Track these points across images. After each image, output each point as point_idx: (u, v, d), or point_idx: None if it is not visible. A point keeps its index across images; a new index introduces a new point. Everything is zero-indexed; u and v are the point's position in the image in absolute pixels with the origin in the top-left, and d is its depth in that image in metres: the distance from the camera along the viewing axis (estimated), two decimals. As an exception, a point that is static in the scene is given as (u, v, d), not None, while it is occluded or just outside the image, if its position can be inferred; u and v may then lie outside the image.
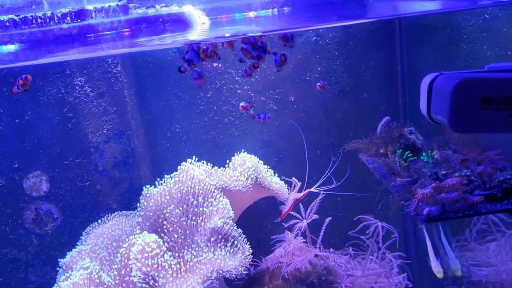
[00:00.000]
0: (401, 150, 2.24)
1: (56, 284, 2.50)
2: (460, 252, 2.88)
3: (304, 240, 2.84)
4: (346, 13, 2.73)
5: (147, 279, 2.12)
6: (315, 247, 2.82)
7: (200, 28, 2.53)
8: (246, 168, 2.62)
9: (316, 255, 2.76)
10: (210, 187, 2.47)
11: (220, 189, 2.50)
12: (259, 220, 3.17)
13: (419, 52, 3.04)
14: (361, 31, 3.01)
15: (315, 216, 2.79)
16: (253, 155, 2.82)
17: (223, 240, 2.30)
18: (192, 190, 2.45)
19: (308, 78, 3.01)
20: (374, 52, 3.05)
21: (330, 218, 2.76)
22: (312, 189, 2.74)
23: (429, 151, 2.12)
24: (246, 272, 2.29)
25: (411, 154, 2.20)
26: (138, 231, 2.49)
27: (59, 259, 2.62)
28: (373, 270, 2.76)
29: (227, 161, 2.84)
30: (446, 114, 1.33)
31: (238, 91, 3.01)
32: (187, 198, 2.44)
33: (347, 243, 3.00)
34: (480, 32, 2.86)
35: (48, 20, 2.47)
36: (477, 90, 1.29)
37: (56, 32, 2.45)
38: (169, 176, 2.68)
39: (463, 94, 1.29)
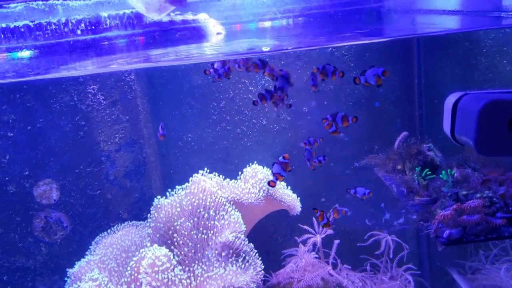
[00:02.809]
0: (419, 167, 2.18)
1: (64, 295, 2.48)
2: (473, 274, 2.82)
3: (317, 255, 2.78)
4: (363, 26, 2.69)
5: (156, 294, 2.08)
6: (327, 262, 2.76)
7: (216, 39, 2.50)
8: (258, 180, 2.58)
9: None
10: (221, 199, 2.43)
11: (231, 202, 2.46)
12: (270, 233, 3.13)
13: (437, 65, 2.98)
14: (378, 43, 2.96)
15: (330, 231, 2.74)
16: (265, 167, 2.78)
17: (234, 255, 2.26)
18: (203, 203, 2.41)
19: (322, 89, 2.97)
20: (390, 64, 3.00)
21: (339, 240, 2.73)
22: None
23: (449, 170, 2.06)
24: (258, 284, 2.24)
25: (430, 172, 2.14)
26: (148, 243, 2.45)
27: (67, 269, 2.59)
28: (386, 284, 2.71)
29: (239, 172, 2.80)
30: (472, 136, 1.28)
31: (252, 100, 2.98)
32: (198, 211, 2.40)
33: (360, 259, 2.95)
34: (500, 45, 2.81)
35: (62, 26, 2.46)
36: (505, 112, 1.24)
37: (70, 39, 2.44)
38: (180, 187, 2.64)
39: (490, 116, 1.24)
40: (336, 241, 2.73)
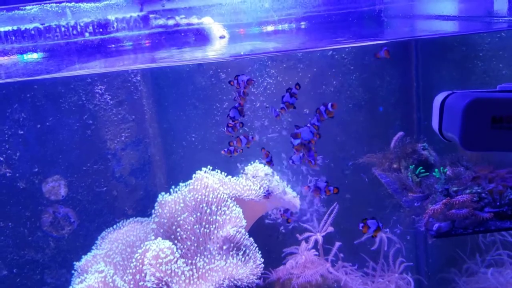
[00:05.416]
0: (414, 165, 2.26)
1: (71, 287, 2.56)
2: (468, 277, 2.88)
3: (317, 253, 2.85)
4: (363, 31, 2.76)
5: (160, 285, 2.17)
6: (327, 259, 2.83)
7: (219, 42, 2.59)
8: (258, 177, 2.67)
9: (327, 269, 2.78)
10: (223, 195, 2.51)
11: (233, 198, 2.55)
12: (270, 231, 3.20)
13: (435, 68, 3.05)
14: (377, 47, 3.03)
15: (330, 229, 2.81)
16: (265, 166, 2.86)
17: (235, 249, 2.34)
18: (206, 199, 2.50)
19: (323, 92, 3.05)
20: (389, 68, 3.07)
21: (340, 243, 2.79)
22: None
23: (442, 168, 2.14)
24: (258, 281, 2.32)
25: (423, 170, 2.22)
26: (152, 237, 2.54)
27: (74, 262, 2.68)
28: (384, 283, 2.77)
29: (241, 170, 2.88)
30: (457, 132, 1.36)
31: (254, 102, 3.06)
32: (201, 206, 2.49)
33: (359, 256, 3.01)
34: (496, 50, 2.88)
35: (71, 29, 2.55)
36: (488, 109, 1.32)
37: (78, 42, 2.53)
38: (184, 184, 2.73)
39: (474, 112, 1.33)
40: (338, 243, 2.81)
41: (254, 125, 3.09)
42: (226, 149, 2.32)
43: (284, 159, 3.08)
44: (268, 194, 2.59)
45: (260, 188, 2.59)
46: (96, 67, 2.67)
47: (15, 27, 2.37)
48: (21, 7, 2.16)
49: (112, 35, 2.50)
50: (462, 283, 2.92)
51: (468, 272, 2.97)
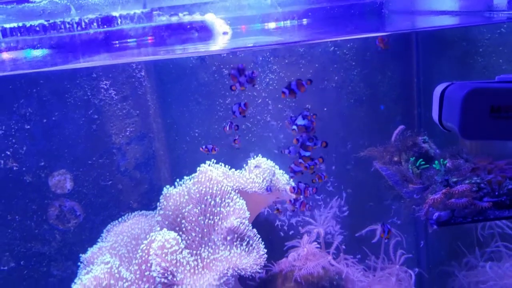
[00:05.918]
0: (414, 158, 2.30)
1: (77, 278, 2.60)
2: (467, 271, 2.92)
3: (318, 246, 2.89)
4: (364, 26, 2.80)
5: (166, 274, 2.21)
6: (328, 252, 2.87)
7: (221, 38, 2.63)
8: (261, 170, 2.71)
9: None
10: (227, 188, 2.56)
11: (236, 191, 2.59)
12: (273, 225, 3.23)
13: (435, 64, 3.09)
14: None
15: (332, 222, 2.85)
16: (268, 159, 2.90)
17: (238, 239, 2.38)
18: (210, 191, 2.54)
19: (325, 87, 3.08)
20: (390, 63, 3.11)
21: (342, 236, 2.83)
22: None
23: (442, 160, 2.18)
24: (260, 271, 2.37)
25: (424, 162, 2.26)
26: (158, 229, 2.58)
27: (80, 254, 2.72)
28: (385, 276, 2.81)
29: (244, 165, 2.92)
30: (456, 121, 1.40)
31: (256, 98, 3.10)
32: (205, 198, 2.53)
33: (362, 249, 3.05)
34: (496, 45, 2.90)
35: (75, 25, 2.59)
36: (486, 99, 1.36)
37: (83, 37, 2.57)
38: (188, 177, 2.77)
39: (473, 102, 1.37)
40: (339, 236, 2.85)
41: (258, 120, 3.12)
42: (204, 146, 2.45)
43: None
44: (270, 190, 2.63)
45: (263, 181, 2.63)
46: (100, 61, 2.71)
47: (20, 24, 2.41)
48: (31, 0, 2.21)
49: (117, 27, 2.54)
50: (462, 277, 2.96)
51: (468, 265, 3.01)
